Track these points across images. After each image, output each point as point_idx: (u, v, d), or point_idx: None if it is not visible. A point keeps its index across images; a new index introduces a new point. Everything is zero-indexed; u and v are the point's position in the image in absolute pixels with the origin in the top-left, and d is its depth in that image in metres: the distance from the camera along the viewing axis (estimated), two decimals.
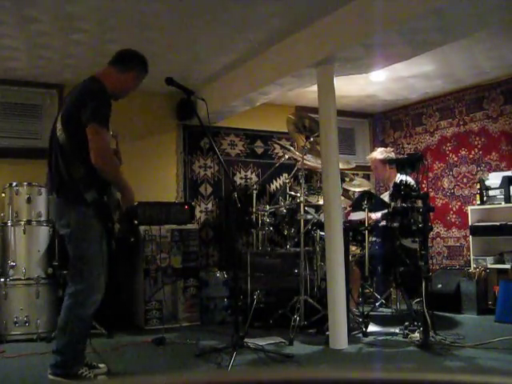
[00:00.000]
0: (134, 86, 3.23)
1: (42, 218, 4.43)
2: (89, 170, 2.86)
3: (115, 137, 3.30)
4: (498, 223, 5.15)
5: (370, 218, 4.30)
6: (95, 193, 2.90)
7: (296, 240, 4.96)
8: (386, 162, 4.81)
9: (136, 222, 4.90)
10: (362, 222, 4.29)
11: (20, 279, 4.26)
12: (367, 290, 5.14)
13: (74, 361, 2.93)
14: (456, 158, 6.01)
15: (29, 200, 4.39)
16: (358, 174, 6.32)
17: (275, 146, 6.33)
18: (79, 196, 2.89)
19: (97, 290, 2.97)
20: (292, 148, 5.37)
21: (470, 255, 5.46)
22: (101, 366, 3.22)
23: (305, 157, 4.70)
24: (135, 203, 3.13)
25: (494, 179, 5.29)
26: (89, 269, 2.93)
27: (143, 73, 3.22)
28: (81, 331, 2.94)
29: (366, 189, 5.01)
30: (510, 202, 5.10)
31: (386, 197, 4.84)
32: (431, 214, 4.11)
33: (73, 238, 2.97)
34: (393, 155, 4.95)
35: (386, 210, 4.24)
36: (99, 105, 2.89)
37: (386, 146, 5.58)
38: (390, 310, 5.14)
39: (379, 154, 4.94)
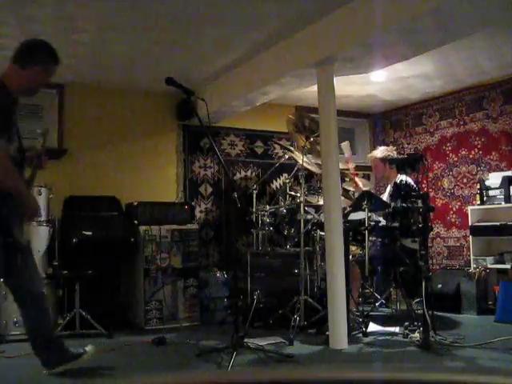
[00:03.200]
0: (42, 80, 2.96)
1: (42, 218, 4.43)
2: None
3: (44, 134, 3.15)
4: (498, 223, 5.15)
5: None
6: None
7: (296, 240, 4.95)
8: (386, 160, 4.81)
9: (136, 221, 4.90)
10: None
11: None
12: (367, 290, 5.14)
13: None
14: (456, 158, 6.01)
15: None
16: (357, 174, 6.32)
17: (275, 146, 6.33)
18: None
19: None
20: (292, 148, 5.36)
21: (470, 255, 5.46)
22: (87, 348, 3.21)
23: (305, 158, 4.70)
24: (38, 214, 3.01)
25: (493, 179, 5.29)
26: None
27: (51, 65, 2.94)
28: None
29: (366, 189, 5.01)
30: (510, 202, 5.10)
31: (384, 196, 4.84)
32: (431, 213, 4.11)
33: None
34: (394, 154, 4.95)
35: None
36: None
37: (387, 146, 5.57)
38: (389, 310, 5.13)
39: (380, 152, 4.94)
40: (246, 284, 4.68)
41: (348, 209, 4.76)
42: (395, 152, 5.06)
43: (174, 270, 4.86)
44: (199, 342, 3.96)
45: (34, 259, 3.16)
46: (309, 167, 4.96)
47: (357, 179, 5.20)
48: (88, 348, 3.21)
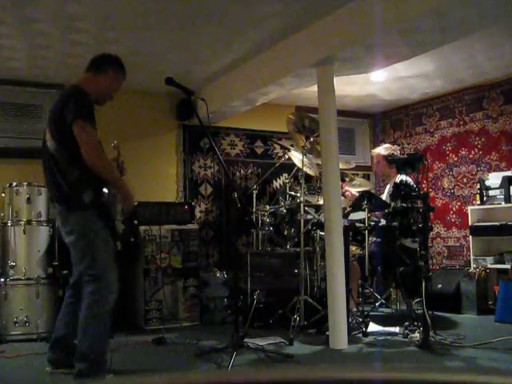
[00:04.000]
0: (114, 87, 3.22)
1: (42, 218, 4.43)
2: (82, 171, 2.89)
3: (116, 147, 3.37)
4: (498, 223, 5.15)
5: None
6: (92, 192, 2.92)
7: (296, 240, 4.95)
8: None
9: (136, 221, 4.90)
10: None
11: (20, 279, 4.26)
12: (367, 290, 5.14)
13: (99, 365, 2.86)
14: (456, 158, 6.01)
15: (29, 200, 4.39)
16: (358, 174, 6.32)
17: (275, 146, 6.33)
18: (77, 200, 2.90)
19: (112, 288, 2.96)
20: (292, 149, 5.36)
21: (470, 255, 5.47)
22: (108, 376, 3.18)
23: (305, 159, 4.70)
24: (135, 203, 3.16)
25: (493, 179, 5.29)
26: (102, 269, 2.92)
27: (120, 74, 3.21)
28: (101, 331, 2.91)
29: (366, 189, 5.01)
30: (510, 202, 5.10)
31: (383, 196, 4.85)
32: (431, 213, 4.11)
33: (80, 243, 2.95)
34: (398, 153, 4.95)
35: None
36: (81, 103, 2.93)
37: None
38: (389, 310, 5.13)
39: (384, 149, 4.94)
40: (246, 284, 4.68)
41: (348, 209, 4.76)
42: (399, 151, 5.06)
43: (174, 269, 4.86)
44: (199, 342, 3.96)
45: None
46: (308, 171, 4.94)
47: (348, 188, 5.14)
48: (108, 376, 3.09)
